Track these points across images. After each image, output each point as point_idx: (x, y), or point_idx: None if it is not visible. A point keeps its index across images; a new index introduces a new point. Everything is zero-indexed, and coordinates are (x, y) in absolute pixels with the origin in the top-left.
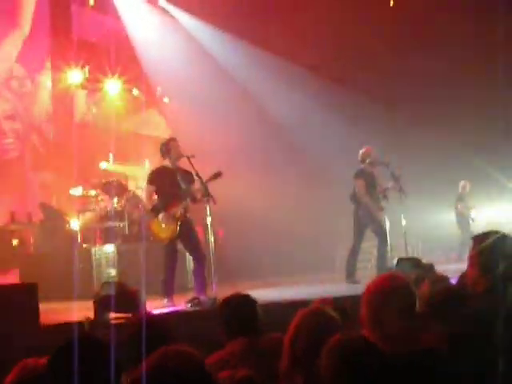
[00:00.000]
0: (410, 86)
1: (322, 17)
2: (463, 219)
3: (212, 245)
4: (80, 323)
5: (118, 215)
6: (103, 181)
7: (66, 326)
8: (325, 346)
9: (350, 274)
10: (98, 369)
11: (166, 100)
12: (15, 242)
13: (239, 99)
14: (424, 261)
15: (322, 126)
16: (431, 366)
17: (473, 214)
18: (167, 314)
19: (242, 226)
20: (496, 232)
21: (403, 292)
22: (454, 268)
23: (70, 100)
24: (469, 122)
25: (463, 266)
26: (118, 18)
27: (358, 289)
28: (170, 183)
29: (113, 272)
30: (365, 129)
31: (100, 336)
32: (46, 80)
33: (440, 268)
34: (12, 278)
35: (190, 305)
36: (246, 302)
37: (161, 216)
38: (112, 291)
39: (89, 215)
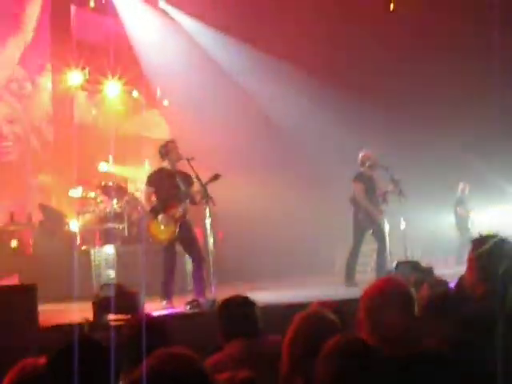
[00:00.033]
0: (409, 88)
1: (321, 19)
2: (462, 222)
3: (211, 247)
4: (79, 325)
5: (118, 217)
6: (103, 182)
7: (65, 328)
8: (323, 348)
9: (350, 277)
10: (97, 370)
11: (165, 103)
12: (14, 242)
13: (238, 101)
14: (423, 264)
15: (322, 128)
16: (430, 369)
17: (472, 216)
18: (166, 315)
19: (241, 228)
20: (494, 235)
21: (403, 295)
22: (453, 271)
23: (70, 101)
24: (469, 124)
25: (462, 268)
26: (118, 19)
27: (357, 292)
28: (169, 185)
29: (112, 273)
30: (364, 131)
31: (99, 338)
32: (46, 81)
33: (439, 271)
34: (11, 279)
35: (189, 307)
36: (244, 303)
37: (160, 217)
38: (111, 293)
39: (88, 217)
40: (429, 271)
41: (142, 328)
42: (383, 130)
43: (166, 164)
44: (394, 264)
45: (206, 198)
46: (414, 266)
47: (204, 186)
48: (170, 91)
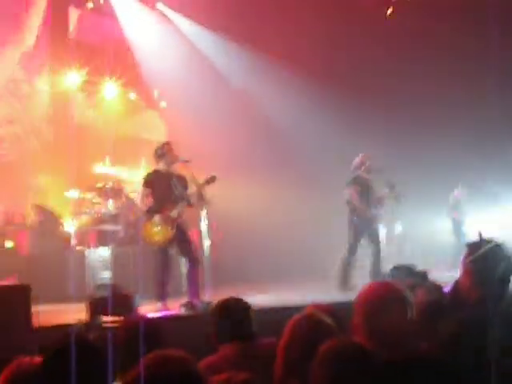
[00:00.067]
0: (409, 88)
1: (321, 19)
2: (458, 226)
3: (207, 249)
4: (73, 325)
5: (114, 218)
6: (99, 184)
7: (59, 328)
8: (319, 351)
9: (344, 281)
10: (91, 371)
11: (163, 104)
12: (10, 243)
13: (238, 101)
14: (418, 268)
15: (322, 128)
16: (428, 374)
17: (468, 220)
18: (161, 317)
19: (237, 230)
20: (489, 240)
21: (400, 300)
22: (448, 275)
23: (69, 102)
24: (469, 124)
25: (458, 273)
26: (116, 20)
27: (352, 296)
28: (165, 186)
29: (107, 275)
30: (364, 131)
31: (93, 338)
32: (45, 82)
33: (435, 275)
34: (7, 280)
35: (183, 309)
36: (238, 306)
37: (156, 218)
38: (106, 294)
39: (84, 218)
40: (423, 275)
41: (136, 330)
42: (383, 130)
43: (161, 166)
44: (389, 268)
45: (202, 200)
46: (409, 270)
47: (200, 189)
48: (168, 92)
